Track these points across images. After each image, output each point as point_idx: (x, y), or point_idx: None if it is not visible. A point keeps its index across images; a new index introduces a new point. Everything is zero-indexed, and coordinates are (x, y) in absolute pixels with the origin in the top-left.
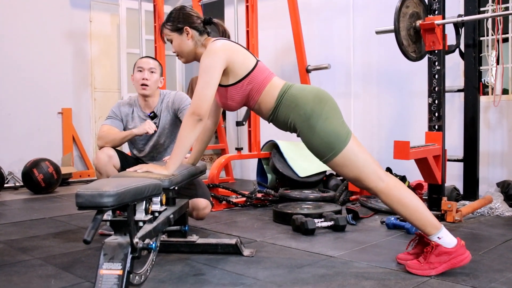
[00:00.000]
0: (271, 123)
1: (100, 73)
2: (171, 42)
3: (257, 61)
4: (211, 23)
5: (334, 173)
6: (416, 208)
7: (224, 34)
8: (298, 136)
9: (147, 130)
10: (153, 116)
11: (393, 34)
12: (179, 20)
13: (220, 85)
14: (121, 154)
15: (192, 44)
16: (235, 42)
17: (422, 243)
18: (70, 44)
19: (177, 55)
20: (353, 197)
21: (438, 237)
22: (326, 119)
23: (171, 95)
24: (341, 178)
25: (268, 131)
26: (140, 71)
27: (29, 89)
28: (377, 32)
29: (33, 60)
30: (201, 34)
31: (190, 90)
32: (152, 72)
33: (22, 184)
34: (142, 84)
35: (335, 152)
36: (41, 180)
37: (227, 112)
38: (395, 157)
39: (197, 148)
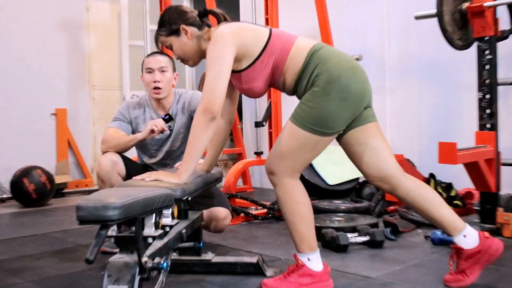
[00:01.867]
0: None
1: (98, 68)
2: (171, 48)
3: (270, 29)
4: (207, 14)
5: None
6: (303, 223)
7: (226, 19)
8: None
9: (153, 129)
10: (168, 119)
11: (435, 20)
12: (171, 21)
13: (234, 71)
14: (126, 160)
15: (194, 43)
16: (239, 21)
17: (459, 255)
18: (65, 35)
19: (182, 60)
20: (391, 207)
21: (308, 258)
22: (342, 99)
23: (187, 95)
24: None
25: None
26: (150, 72)
27: (18, 87)
28: (417, 17)
29: (21, 54)
30: (201, 28)
31: (202, 87)
32: (163, 71)
33: (10, 195)
34: (155, 88)
35: (311, 129)
36: (32, 191)
37: (244, 111)
38: (440, 161)
39: (211, 152)
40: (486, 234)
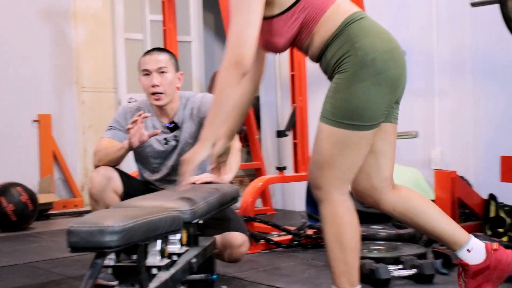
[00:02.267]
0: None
1: (89, 66)
2: None
3: None
4: None
5: None
6: (348, 252)
7: None
8: (329, 78)
9: (141, 139)
10: (174, 128)
11: (495, 7)
12: None
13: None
14: (124, 176)
15: None
16: None
17: (466, 273)
18: (47, 26)
19: None
20: None
21: None
22: (377, 85)
23: (196, 99)
24: None
25: None
26: (147, 74)
27: None
28: (473, 4)
29: None
30: None
31: (212, 89)
32: (162, 72)
33: None
34: (154, 94)
35: (348, 124)
36: (11, 212)
37: (263, 119)
38: (503, 180)
39: (233, 119)
40: (495, 245)
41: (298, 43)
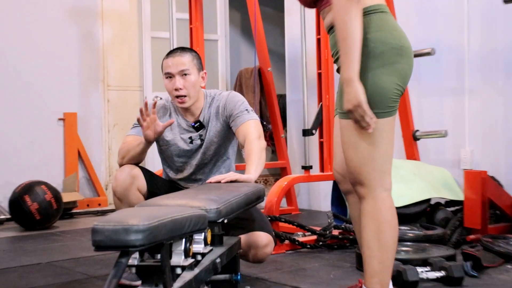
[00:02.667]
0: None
1: (115, 65)
2: None
3: None
4: None
5: (443, 202)
6: (385, 251)
7: None
8: (334, 56)
9: (156, 130)
10: (199, 127)
11: None
12: None
13: None
14: (149, 174)
15: None
16: None
17: None
18: (75, 26)
19: None
20: (472, 236)
21: None
22: (387, 74)
23: (221, 97)
24: (452, 209)
25: None
26: (169, 77)
27: (19, 88)
28: (506, 1)
29: (24, 49)
30: None
31: (238, 86)
32: (185, 75)
33: (9, 216)
34: (177, 97)
35: (376, 113)
36: (35, 210)
37: (289, 117)
38: None
39: None
40: None
41: (320, 5)
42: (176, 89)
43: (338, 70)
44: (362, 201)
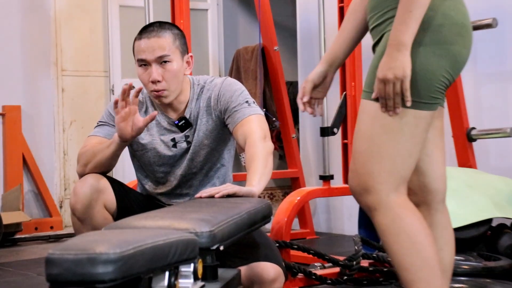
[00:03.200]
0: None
1: (71, 42)
2: None
3: None
4: None
5: (508, 223)
6: (428, 267)
7: None
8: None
9: (135, 126)
10: (184, 126)
11: None
12: None
13: None
14: (118, 186)
15: None
16: None
17: None
18: None
19: None
20: None
21: None
22: (439, 56)
23: (213, 86)
24: None
25: None
26: (144, 65)
27: None
28: None
29: None
30: None
31: (235, 71)
32: (164, 62)
33: None
34: (153, 91)
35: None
36: None
37: (301, 115)
38: None
39: (345, 36)
40: None
41: None
42: (153, 82)
43: (374, 47)
44: (375, 216)
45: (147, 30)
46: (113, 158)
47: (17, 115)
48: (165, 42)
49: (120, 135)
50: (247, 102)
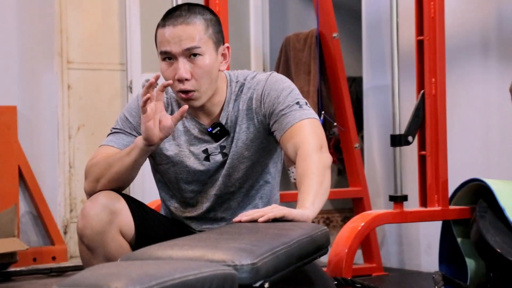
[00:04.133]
0: None
1: (80, 30)
2: None
3: None
4: None
5: None
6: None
7: None
8: None
9: (163, 125)
10: (220, 134)
11: None
12: None
13: None
14: (137, 207)
15: None
16: None
17: None
18: None
19: None
20: None
21: None
22: None
23: (256, 83)
24: None
25: (465, 157)
26: (168, 58)
27: None
28: None
29: None
30: None
31: (284, 63)
32: (194, 55)
33: None
34: (180, 91)
35: None
36: None
37: (366, 116)
38: None
39: None
40: None
41: None
42: (179, 80)
43: None
44: None
45: (173, 15)
46: (134, 169)
47: (12, 118)
48: (195, 30)
49: (146, 137)
50: (297, 103)
